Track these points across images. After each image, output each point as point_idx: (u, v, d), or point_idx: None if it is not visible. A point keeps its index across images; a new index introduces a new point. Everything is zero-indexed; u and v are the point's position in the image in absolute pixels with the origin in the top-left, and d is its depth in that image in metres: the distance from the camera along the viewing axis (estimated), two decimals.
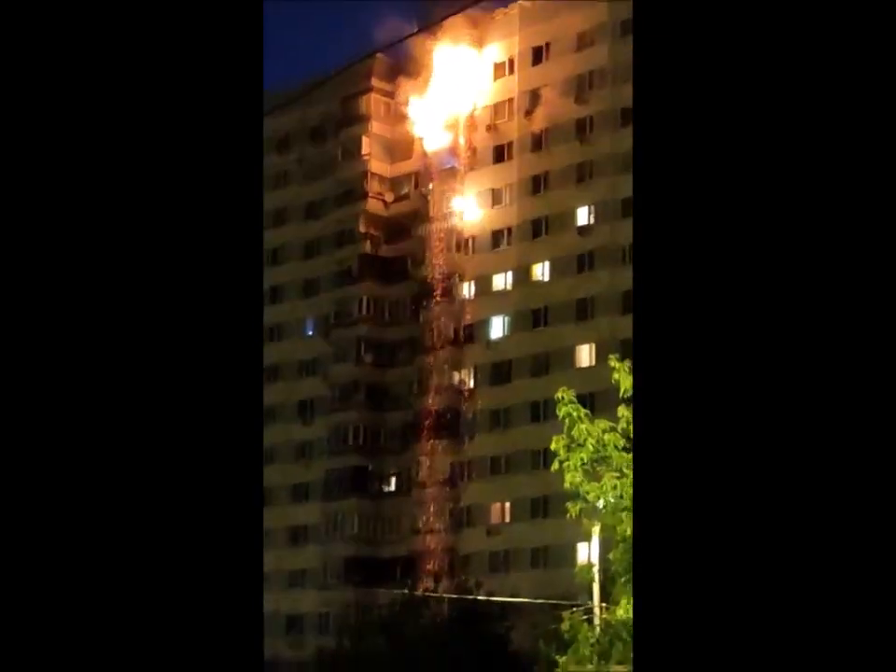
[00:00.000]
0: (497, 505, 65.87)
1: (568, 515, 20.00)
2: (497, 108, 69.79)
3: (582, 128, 65.80)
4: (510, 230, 68.30)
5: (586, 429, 19.36)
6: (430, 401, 67.76)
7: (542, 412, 60.46)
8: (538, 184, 67.57)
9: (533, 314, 66.29)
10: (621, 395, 18.89)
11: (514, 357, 66.29)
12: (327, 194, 74.87)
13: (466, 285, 69.52)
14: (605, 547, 21.91)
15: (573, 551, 55.75)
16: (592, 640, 20.80)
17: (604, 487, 19.17)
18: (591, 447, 19.28)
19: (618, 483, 18.83)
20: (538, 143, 67.81)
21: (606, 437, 19.38)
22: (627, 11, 53.57)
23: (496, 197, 69.18)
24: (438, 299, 68.93)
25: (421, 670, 47.79)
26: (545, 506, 60.76)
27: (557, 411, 19.94)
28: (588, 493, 19.24)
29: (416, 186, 72.86)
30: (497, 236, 68.78)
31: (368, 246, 73.36)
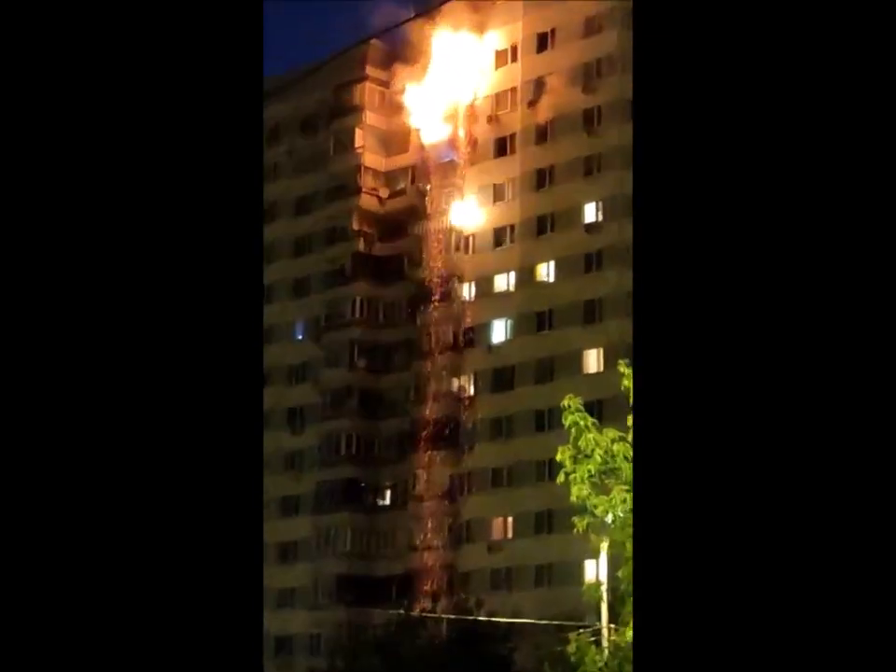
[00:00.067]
0: (499, 520, 65.84)
1: (575, 531, 19.95)
2: (498, 98, 69.80)
3: (590, 119, 65.82)
4: (512, 227, 68.30)
5: (594, 439, 19.31)
6: (428, 409, 67.74)
7: (547, 420, 60.41)
8: (542, 178, 67.58)
9: (537, 316, 66.28)
10: (631, 403, 18.84)
11: (517, 363, 66.27)
12: (318, 189, 74.90)
13: (466, 286, 69.52)
14: (613, 564, 21.85)
15: (580, 568, 55.73)
16: (600, 664, 20.74)
17: (613, 501, 19.12)
18: (599, 458, 19.22)
19: (627, 496, 18.78)
20: (542, 135, 67.82)
21: (615, 447, 19.32)
22: None
23: (497, 193, 69.20)
24: (436, 300, 68.93)
25: None
26: (550, 521, 60.73)
27: (563, 419, 19.89)
28: (596, 507, 19.19)
29: (413, 181, 72.87)
30: (498, 234, 68.79)
31: (361, 245, 73.36)
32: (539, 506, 61.30)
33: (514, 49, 69.60)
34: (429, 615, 54.69)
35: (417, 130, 71.86)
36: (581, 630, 22.58)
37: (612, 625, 22.20)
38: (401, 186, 73.68)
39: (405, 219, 72.10)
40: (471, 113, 70.40)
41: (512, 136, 68.96)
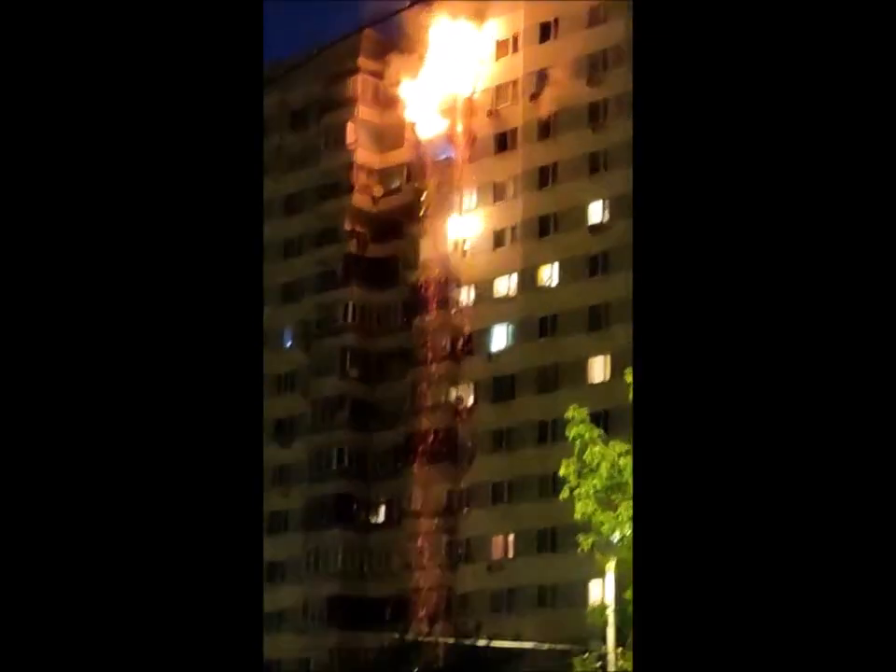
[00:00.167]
0: (500, 538, 65.82)
1: (580, 549, 20.02)
2: (499, 91, 69.87)
3: (595, 113, 65.90)
4: (513, 228, 68.34)
5: (600, 452, 19.39)
6: (424, 421, 67.72)
7: (550, 432, 60.42)
8: (545, 176, 67.64)
9: (540, 322, 66.31)
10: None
11: (519, 371, 66.29)
12: (308, 187, 74.94)
13: (464, 289, 69.54)
14: (620, 585, 21.91)
15: (584, 589, 55.70)
16: None
17: (620, 518, 19.20)
18: (605, 473, 19.30)
19: None
20: (545, 130, 67.88)
21: (622, 461, 19.41)
22: None
23: (498, 191, 69.24)
24: (433, 305, 68.95)
25: None
26: (553, 539, 60.71)
27: (567, 431, 19.98)
28: (602, 524, 19.26)
29: (408, 178, 72.90)
30: (499, 235, 68.82)
31: (354, 246, 73.37)
32: (541, 523, 61.28)
33: (516, 39, 69.66)
34: (426, 639, 54.64)
35: (413, 124, 71.89)
36: (587, 654, 22.63)
37: (619, 649, 22.26)
38: (396, 184, 73.70)
39: (400, 219, 72.10)
40: (470, 107, 70.44)
41: (514, 132, 69.01)
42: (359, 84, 73.98)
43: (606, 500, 19.34)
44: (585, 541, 19.81)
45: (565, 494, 19.95)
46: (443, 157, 70.99)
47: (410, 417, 68.67)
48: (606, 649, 23.22)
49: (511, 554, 65.36)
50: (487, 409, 67.09)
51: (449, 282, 69.34)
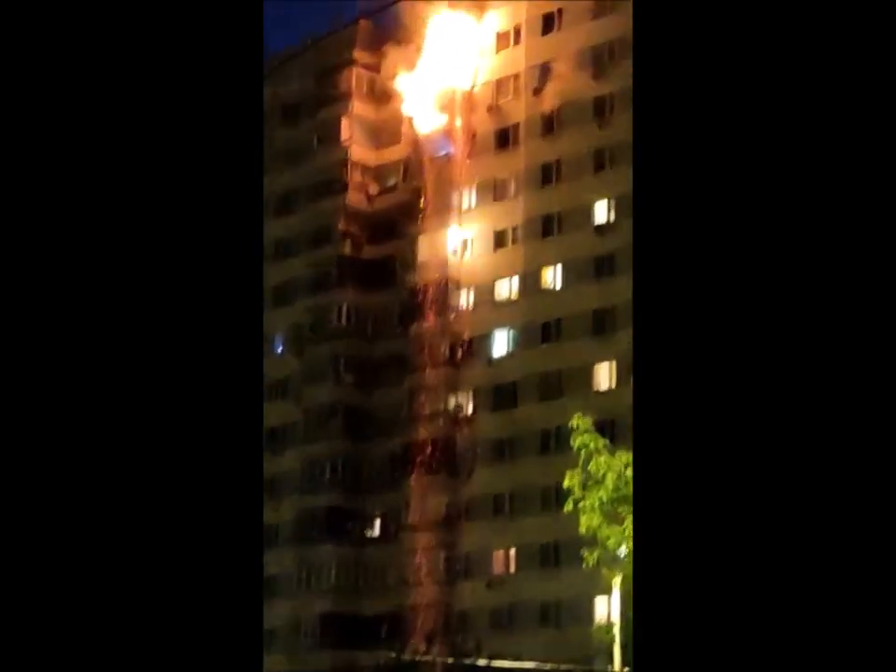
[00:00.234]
0: (501, 552, 65.80)
1: (584, 564, 20.03)
2: (500, 85, 69.90)
3: (601, 108, 65.93)
4: (515, 228, 68.36)
5: (605, 463, 19.39)
6: (422, 430, 67.72)
7: (554, 442, 60.43)
8: (548, 174, 67.67)
9: (543, 327, 66.32)
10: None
11: (520, 378, 66.30)
12: (300, 185, 74.96)
13: (464, 292, 69.55)
14: (627, 602, 21.90)
15: (590, 606, 55.68)
16: None
17: (626, 532, 19.19)
18: (611, 484, 19.31)
19: None
20: (548, 126, 67.92)
21: (628, 472, 19.40)
22: None
23: (499, 190, 69.27)
24: (430, 309, 68.96)
25: None
26: (556, 553, 60.69)
27: (571, 441, 19.98)
28: (608, 538, 19.27)
29: (405, 176, 72.92)
30: (500, 236, 68.84)
31: (348, 247, 73.39)
32: (544, 537, 61.27)
33: (517, 30, 69.71)
34: (423, 659, 54.61)
35: (410, 120, 71.91)
36: None
37: (626, 669, 22.25)
38: (392, 182, 73.71)
39: (397, 219, 72.12)
40: (470, 101, 70.47)
41: (515, 127, 69.04)
42: (354, 77, 74.00)
43: (612, 513, 19.34)
44: (590, 556, 19.82)
45: (569, 506, 19.95)
46: (442, 154, 70.99)
47: (407, 426, 68.63)
48: (612, 669, 23.20)
49: (512, 570, 65.32)
50: (488, 417, 67.07)
51: (448, 284, 69.33)
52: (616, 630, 23.08)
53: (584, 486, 19.70)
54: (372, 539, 70.38)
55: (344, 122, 73.98)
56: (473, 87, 70.54)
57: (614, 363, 62.17)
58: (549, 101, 67.57)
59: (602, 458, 19.68)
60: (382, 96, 73.42)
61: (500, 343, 68.15)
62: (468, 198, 70.20)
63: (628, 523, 19.35)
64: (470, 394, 68.41)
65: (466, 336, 68.56)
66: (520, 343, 67.18)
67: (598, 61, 66.28)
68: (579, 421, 20.10)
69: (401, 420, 69.27)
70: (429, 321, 68.88)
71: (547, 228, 67.25)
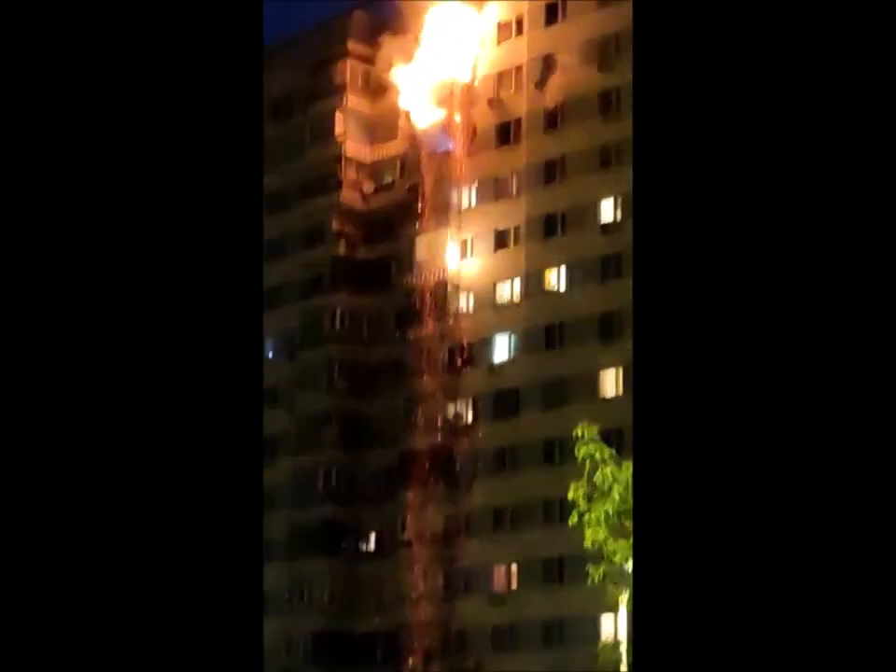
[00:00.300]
0: (502, 568, 65.77)
1: (590, 580, 19.96)
2: (501, 78, 69.92)
3: (607, 102, 65.94)
4: (517, 228, 68.36)
5: (612, 474, 19.31)
6: (419, 439, 67.70)
7: (557, 452, 60.39)
8: (552, 171, 67.66)
9: (546, 331, 66.31)
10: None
11: (523, 385, 66.28)
12: (292, 183, 74.95)
13: (463, 295, 69.56)
14: None
15: (595, 624, 55.61)
16: None
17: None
18: (618, 496, 19.23)
19: None
20: (551, 120, 67.92)
21: None
22: None
23: (500, 187, 69.27)
24: (428, 313, 68.95)
25: None
26: (561, 569, 60.67)
27: (576, 451, 19.92)
28: (614, 553, 19.20)
29: (402, 173, 72.93)
30: (501, 236, 68.85)
31: (342, 248, 73.39)
32: (547, 552, 61.24)
33: (520, 20, 69.74)
34: None
35: (407, 114, 71.93)
36: None
37: None
38: (389, 179, 73.72)
39: (393, 218, 72.13)
40: (470, 95, 70.48)
41: (517, 122, 69.05)
42: (348, 70, 74.01)
43: (618, 527, 19.26)
44: (596, 572, 19.75)
45: (573, 520, 19.88)
46: (440, 150, 70.98)
47: (404, 435, 68.62)
48: None
49: (514, 586, 65.29)
50: (488, 426, 67.04)
51: (447, 287, 69.32)
52: (623, 649, 23.01)
53: (590, 498, 19.63)
54: (368, 554, 70.34)
55: (338, 117, 73.98)
56: (473, 80, 70.55)
57: (621, 369, 62.14)
58: (552, 94, 67.57)
59: (608, 469, 19.60)
60: (377, 89, 73.43)
61: (502, 349, 68.13)
62: (467, 196, 70.20)
63: None
64: (470, 402, 68.38)
65: (465, 341, 68.55)
66: (522, 349, 67.15)
67: (604, 52, 66.28)
68: (584, 430, 20.03)
69: (398, 429, 69.25)
70: (427, 325, 68.86)
71: (550, 227, 67.24)
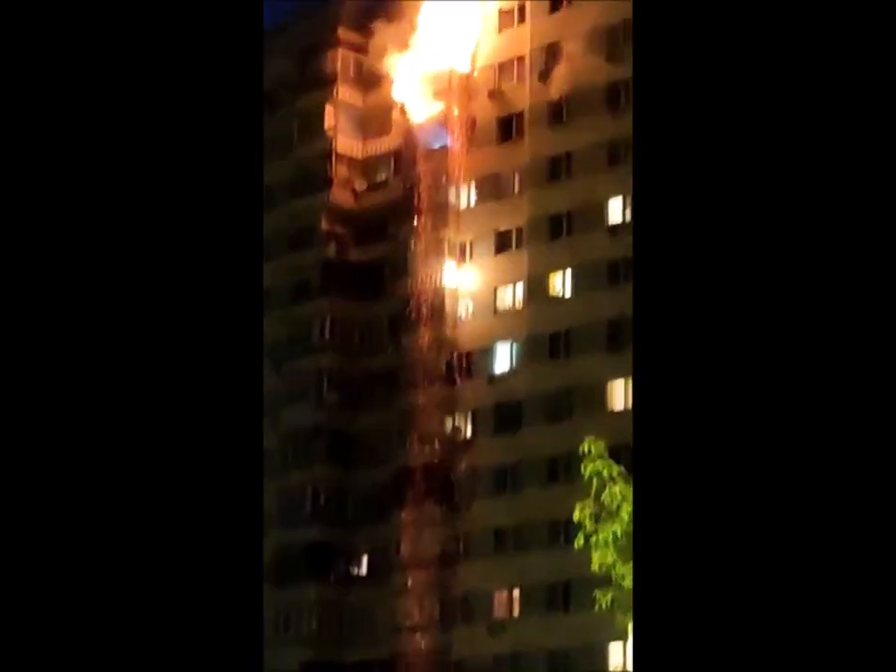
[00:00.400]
0: (503, 593, 65.76)
1: (597, 607, 19.89)
2: (502, 69, 69.98)
3: (615, 95, 65.97)
4: (520, 229, 68.39)
5: (621, 493, 19.23)
6: (415, 456, 67.69)
7: (562, 469, 60.36)
8: (556, 168, 67.70)
9: (550, 339, 66.32)
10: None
11: (525, 397, 66.27)
12: (278, 181, 74.95)
13: (462, 301, 69.59)
14: None
15: (603, 654, 55.56)
16: None
17: None
18: (626, 517, 19.14)
19: None
20: (556, 114, 67.97)
21: None
22: None
23: (501, 185, 69.30)
24: (424, 320, 68.95)
25: None
26: (566, 594, 60.63)
27: (582, 468, 19.83)
28: (623, 577, 19.12)
29: (396, 170, 72.96)
30: (503, 237, 68.87)
31: (332, 250, 73.41)
32: (552, 576, 61.21)
33: (522, 7, 69.81)
34: None
35: (402, 107, 71.97)
36: None
37: None
38: (382, 177, 73.77)
39: (387, 219, 72.16)
40: (469, 86, 70.53)
41: (520, 116, 69.10)
42: (339, 59, 74.06)
43: (628, 549, 19.16)
44: (604, 597, 19.68)
45: (580, 542, 19.80)
46: (437, 145, 71.03)
47: (398, 452, 68.61)
48: None
49: (516, 613, 65.27)
50: (489, 441, 67.03)
51: (444, 292, 69.34)
52: None
53: (597, 519, 19.56)
54: (359, 579, 70.33)
55: (328, 110, 74.02)
56: (473, 70, 70.61)
57: (630, 380, 62.11)
58: (557, 86, 67.62)
59: (617, 488, 19.51)
60: (370, 80, 73.45)
61: (503, 358, 68.14)
62: (466, 195, 70.25)
63: None
64: (469, 415, 68.38)
65: (464, 350, 68.54)
66: (525, 358, 67.15)
67: (612, 41, 66.31)
68: (591, 445, 19.95)
69: (392, 445, 69.24)
70: (423, 334, 68.87)
71: (555, 229, 67.27)
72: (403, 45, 71.30)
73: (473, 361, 68.48)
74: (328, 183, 73.48)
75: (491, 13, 70.52)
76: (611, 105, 65.99)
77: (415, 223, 70.31)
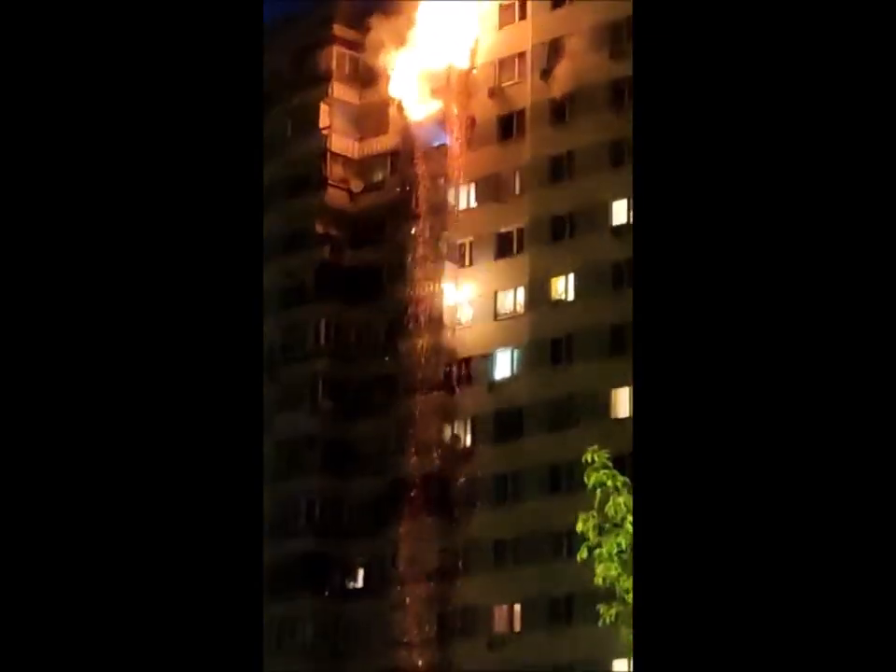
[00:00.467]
0: (504, 607, 65.75)
1: (601, 621, 19.92)
2: (503, 66, 70.01)
3: (619, 93, 66.01)
4: (521, 231, 68.41)
5: (625, 504, 19.27)
6: (413, 465, 67.67)
7: (565, 479, 60.38)
8: (558, 168, 67.74)
9: (552, 345, 66.34)
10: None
11: (527, 405, 66.28)
12: (272, 181, 75.00)
13: (461, 306, 69.59)
14: None
15: (607, 669, 55.53)
16: None
17: None
18: (631, 528, 19.21)
19: None
20: (558, 112, 68.01)
21: None
22: None
23: (502, 185, 69.33)
24: (422, 325, 68.96)
25: None
26: (569, 608, 60.62)
27: (585, 478, 19.88)
28: (628, 591, 19.16)
29: (393, 170, 72.96)
30: (503, 239, 68.88)
31: (328, 253, 73.41)
32: (554, 590, 61.21)
33: (523, 3, 69.86)
34: None
35: (399, 105, 71.99)
36: None
37: None
38: (379, 177, 73.77)
39: (384, 220, 72.16)
40: (468, 84, 70.55)
41: (521, 114, 69.13)
42: (334, 56, 74.09)
43: (632, 562, 19.25)
44: (608, 612, 19.69)
45: (583, 554, 19.83)
46: (436, 144, 71.04)
47: (395, 461, 68.59)
48: None
49: (517, 627, 65.26)
50: (489, 450, 67.03)
51: (443, 296, 69.34)
52: None
53: (601, 531, 19.58)
54: (355, 592, 70.31)
55: (323, 108, 74.04)
56: (472, 67, 70.62)
57: None
58: (559, 84, 67.64)
59: (621, 499, 19.54)
60: (366, 78, 73.46)
61: (503, 365, 68.14)
62: (465, 196, 70.26)
63: None
64: (469, 423, 68.38)
65: (463, 356, 68.54)
66: (526, 364, 67.16)
67: (616, 38, 66.34)
68: (594, 455, 19.98)
69: (389, 454, 69.23)
70: (422, 339, 68.87)
71: (557, 230, 67.29)
72: (401, 41, 71.29)
73: (473, 367, 68.49)
74: (323, 183, 73.51)
75: (491, 8, 70.55)
76: (615, 103, 66.02)
77: (413, 224, 70.31)
